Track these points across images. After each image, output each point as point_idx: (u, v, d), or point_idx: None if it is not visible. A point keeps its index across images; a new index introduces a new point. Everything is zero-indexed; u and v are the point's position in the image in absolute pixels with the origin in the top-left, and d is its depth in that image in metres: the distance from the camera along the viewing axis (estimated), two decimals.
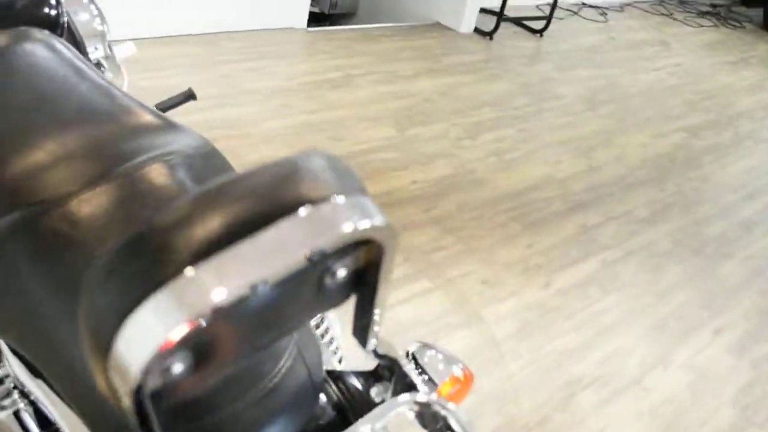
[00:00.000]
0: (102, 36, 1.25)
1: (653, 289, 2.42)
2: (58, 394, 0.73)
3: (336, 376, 0.76)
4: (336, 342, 0.98)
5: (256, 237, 0.45)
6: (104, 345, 0.42)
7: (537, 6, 5.39)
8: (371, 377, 0.75)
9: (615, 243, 2.64)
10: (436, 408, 0.69)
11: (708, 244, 2.78)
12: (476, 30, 4.74)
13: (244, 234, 0.45)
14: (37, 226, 0.68)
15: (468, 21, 4.71)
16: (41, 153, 0.75)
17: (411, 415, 0.70)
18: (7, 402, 0.91)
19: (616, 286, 2.39)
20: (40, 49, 0.88)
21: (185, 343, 0.42)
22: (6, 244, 0.69)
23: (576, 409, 1.85)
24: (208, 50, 3.50)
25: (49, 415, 0.84)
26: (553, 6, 4.88)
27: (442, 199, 2.67)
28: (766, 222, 3.06)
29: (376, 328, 0.62)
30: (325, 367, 0.75)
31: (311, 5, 4.20)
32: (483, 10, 4.80)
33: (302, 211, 0.48)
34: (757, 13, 6.90)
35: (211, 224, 0.45)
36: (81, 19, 1.19)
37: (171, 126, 0.82)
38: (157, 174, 0.72)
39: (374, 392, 0.74)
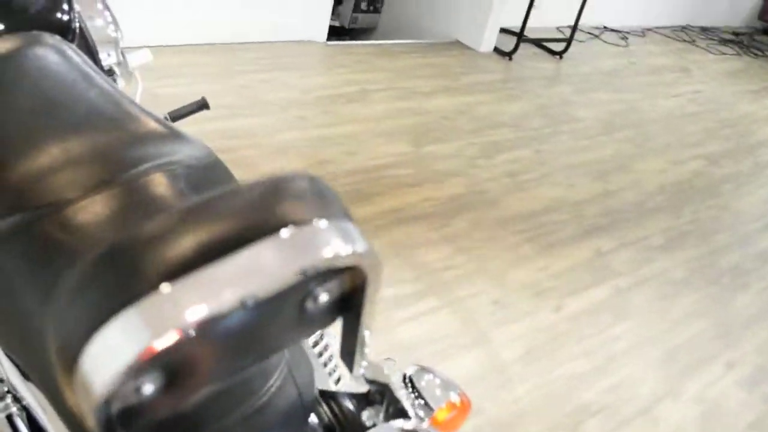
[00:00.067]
0: (115, 43, 1.25)
1: (666, 318, 2.38)
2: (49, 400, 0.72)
3: (329, 397, 0.75)
4: (334, 361, 0.96)
5: (234, 256, 0.44)
6: (69, 361, 0.41)
7: (557, 28, 5.38)
8: (364, 400, 0.74)
9: (629, 269, 2.61)
10: None
11: (724, 274, 2.74)
12: (496, 50, 4.74)
13: (221, 253, 0.44)
14: (34, 230, 0.68)
15: (488, 40, 4.71)
16: (45, 157, 0.74)
17: None
18: None
19: (629, 314, 2.35)
20: (51, 53, 0.87)
21: (155, 363, 0.40)
22: (4, 246, 0.68)
23: None
24: (225, 60, 3.52)
25: (39, 420, 0.83)
26: (574, 28, 4.87)
27: (454, 217, 2.65)
28: None
29: (366, 351, 0.60)
30: (319, 387, 0.73)
31: (331, 19, 4.22)
32: (503, 30, 4.81)
33: (284, 232, 0.47)
34: None
35: (189, 242, 0.44)
36: (95, 25, 1.19)
37: (175, 135, 0.82)
38: (157, 184, 0.71)
39: (365, 416, 0.73)
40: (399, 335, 1.99)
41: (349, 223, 0.52)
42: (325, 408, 0.74)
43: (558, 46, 4.92)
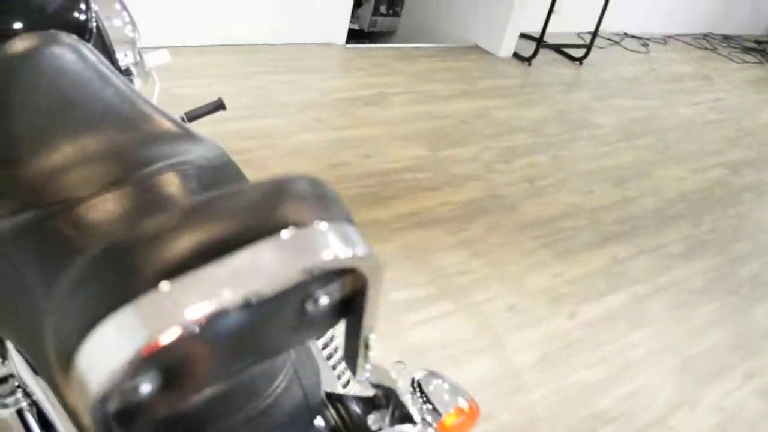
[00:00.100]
0: (132, 43, 1.26)
1: (683, 327, 2.35)
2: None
3: (336, 399, 0.74)
4: (343, 363, 0.96)
5: (233, 256, 0.43)
6: (66, 358, 0.41)
7: (578, 34, 5.36)
8: (370, 404, 0.73)
9: (646, 277, 2.58)
10: None
11: (743, 284, 2.70)
12: (515, 55, 4.72)
13: (220, 253, 0.43)
14: (46, 227, 0.68)
15: (507, 45, 4.70)
16: (59, 155, 0.75)
17: None
18: (10, 400, 0.91)
19: (646, 321, 2.32)
20: (67, 53, 0.88)
21: (152, 362, 0.40)
22: (16, 242, 0.69)
23: None
24: (243, 61, 3.54)
25: (49, 416, 0.84)
26: (594, 34, 4.84)
27: (471, 222, 2.64)
28: None
29: (370, 354, 0.60)
30: (326, 389, 0.73)
31: (351, 22, 4.23)
32: (523, 36, 4.79)
33: (284, 233, 0.47)
34: None
35: (187, 241, 0.43)
36: (112, 25, 1.20)
37: (188, 135, 0.82)
38: (168, 183, 0.72)
39: (371, 420, 0.72)
40: (411, 339, 1.98)
41: (350, 227, 0.52)
42: (331, 411, 0.73)
43: (578, 52, 4.90)
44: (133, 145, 0.77)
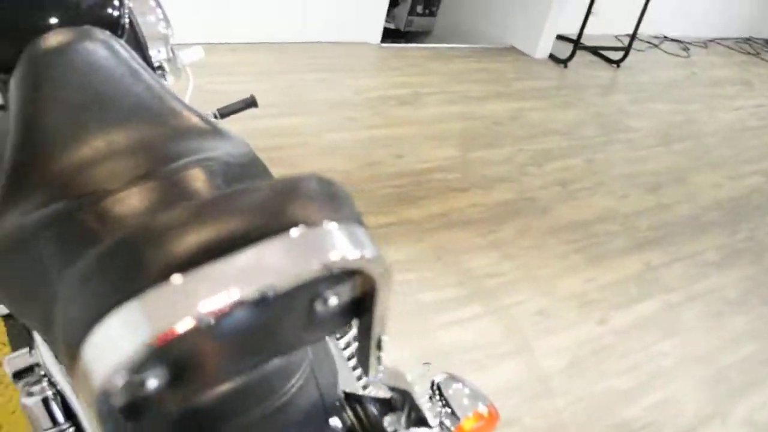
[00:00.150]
0: (165, 39, 1.27)
1: (716, 337, 2.30)
2: None
3: (353, 400, 0.74)
4: None
5: (241, 254, 0.43)
6: (73, 350, 0.41)
7: (616, 36, 5.29)
8: (387, 405, 0.73)
9: (679, 285, 2.53)
10: None
11: None
12: (551, 56, 4.68)
13: (228, 250, 0.43)
14: (73, 219, 0.69)
15: (543, 47, 4.65)
16: (89, 149, 0.76)
17: None
18: (36, 389, 0.92)
19: (678, 330, 2.28)
20: (100, 48, 0.89)
21: (158, 357, 0.40)
22: (43, 233, 0.70)
23: None
24: (277, 59, 3.56)
25: (72, 405, 0.85)
26: (633, 37, 4.77)
27: (501, 224, 2.62)
28: None
29: (382, 355, 0.59)
30: (344, 389, 0.72)
31: (387, 21, 4.23)
32: (559, 37, 4.75)
33: (293, 231, 0.46)
34: None
35: (196, 237, 0.43)
36: (146, 21, 1.21)
37: (216, 132, 0.82)
38: (194, 178, 0.72)
39: (387, 422, 0.72)
40: (438, 340, 1.97)
41: (360, 228, 0.51)
42: (348, 411, 0.73)
43: (615, 55, 4.83)
44: (161, 140, 0.78)
